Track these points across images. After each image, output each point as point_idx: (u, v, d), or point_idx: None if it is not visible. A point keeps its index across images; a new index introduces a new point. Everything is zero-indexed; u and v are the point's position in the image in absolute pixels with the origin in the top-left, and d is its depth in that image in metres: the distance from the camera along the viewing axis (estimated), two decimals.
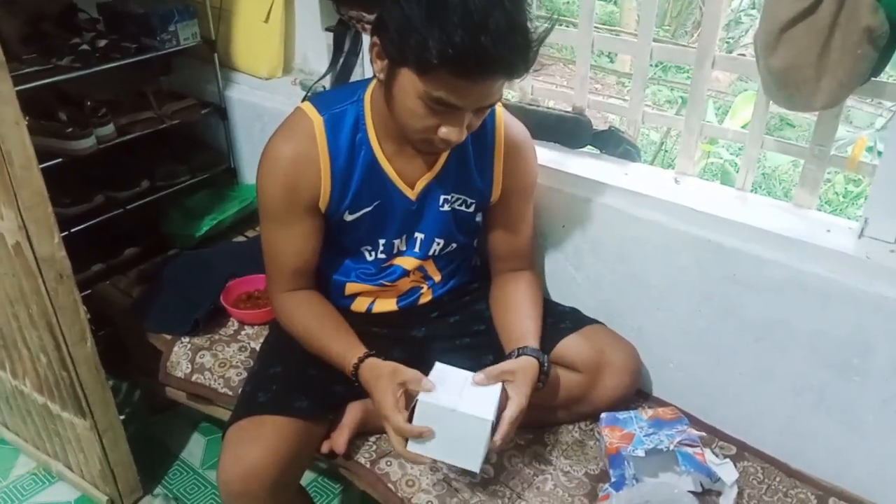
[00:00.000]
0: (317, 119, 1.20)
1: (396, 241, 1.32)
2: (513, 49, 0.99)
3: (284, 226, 1.24)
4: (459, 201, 1.31)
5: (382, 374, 1.14)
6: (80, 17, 1.83)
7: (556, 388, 1.30)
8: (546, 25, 1.04)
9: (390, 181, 1.25)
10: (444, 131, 1.07)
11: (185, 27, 1.85)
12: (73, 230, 1.75)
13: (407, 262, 1.34)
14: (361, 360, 1.18)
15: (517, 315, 1.32)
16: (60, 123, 1.69)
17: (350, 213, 1.26)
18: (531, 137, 1.34)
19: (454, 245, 1.36)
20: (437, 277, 1.39)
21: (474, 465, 1.11)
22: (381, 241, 1.31)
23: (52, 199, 1.24)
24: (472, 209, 1.33)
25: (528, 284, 1.38)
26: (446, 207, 1.30)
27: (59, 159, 1.66)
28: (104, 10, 1.89)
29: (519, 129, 1.32)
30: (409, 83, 1.03)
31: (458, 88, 1.01)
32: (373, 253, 1.32)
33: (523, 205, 1.37)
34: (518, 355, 1.21)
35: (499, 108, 1.28)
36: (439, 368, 1.17)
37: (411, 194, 1.27)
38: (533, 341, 1.25)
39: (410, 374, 1.14)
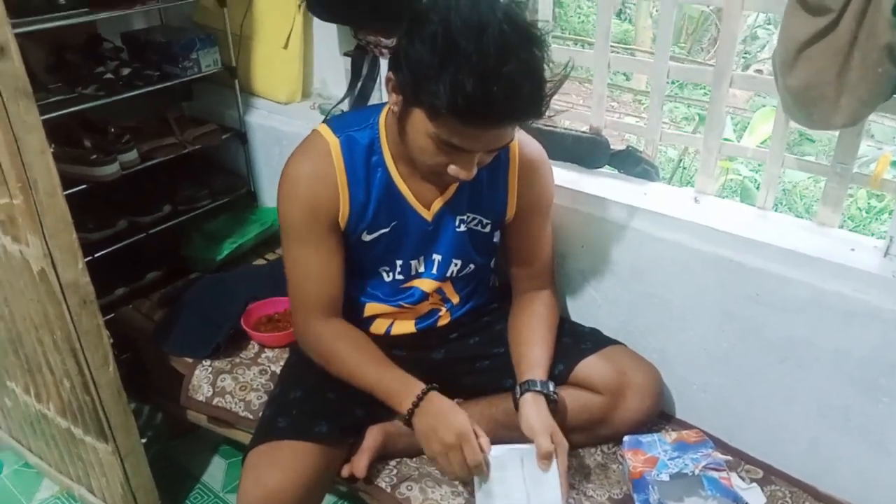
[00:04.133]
0: (332, 140, 1.21)
1: (413, 262, 1.32)
2: (524, 100, 0.99)
3: (308, 245, 1.24)
4: (475, 221, 1.31)
5: (458, 406, 1.19)
6: (105, 47, 1.87)
7: (576, 409, 1.29)
8: (562, 72, 1.05)
9: (407, 202, 1.25)
10: (453, 169, 1.09)
11: (206, 54, 1.89)
12: (96, 255, 1.77)
13: (425, 285, 1.34)
14: (427, 391, 1.18)
15: (529, 344, 1.31)
16: (85, 150, 1.72)
17: (368, 234, 1.27)
18: (547, 156, 1.35)
19: (472, 266, 1.36)
20: (456, 300, 1.39)
21: None
22: (399, 262, 1.31)
23: (76, 224, 1.26)
24: (487, 229, 1.33)
25: (544, 307, 1.37)
26: (462, 228, 1.30)
27: (84, 186, 1.69)
28: (128, 40, 1.94)
29: (534, 147, 1.32)
30: (420, 123, 1.05)
31: (468, 135, 1.03)
32: (390, 274, 1.33)
33: (540, 223, 1.36)
34: (522, 392, 1.22)
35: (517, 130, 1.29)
36: (495, 455, 1.17)
37: (427, 215, 1.27)
38: (540, 372, 1.24)
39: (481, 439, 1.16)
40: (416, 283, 1.34)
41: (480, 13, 0.97)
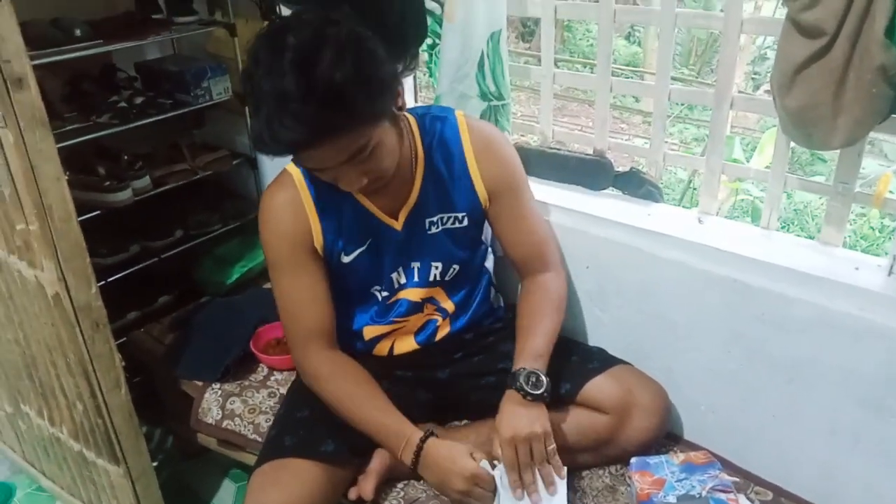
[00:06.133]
0: (295, 171, 1.26)
1: (394, 275, 1.33)
2: (296, 121, 0.98)
3: (293, 274, 1.26)
4: (450, 219, 1.32)
5: (456, 442, 1.21)
6: (119, 76, 1.91)
7: (583, 429, 1.29)
8: (349, 70, 1.00)
9: (374, 217, 1.28)
10: (340, 184, 1.13)
11: (217, 83, 1.93)
12: (109, 279, 1.80)
13: (412, 294, 1.35)
14: (428, 436, 1.20)
15: (521, 334, 1.29)
16: (99, 177, 1.76)
17: (345, 255, 1.29)
18: (501, 134, 1.35)
19: (456, 267, 1.36)
20: (450, 307, 1.39)
21: None
22: (384, 279, 1.33)
23: (89, 249, 1.28)
24: (465, 222, 1.33)
25: (541, 291, 1.34)
26: (434, 230, 1.31)
27: (97, 211, 1.72)
28: (141, 69, 1.99)
29: (483, 127, 1.33)
30: None
31: (300, 158, 1.09)
32: (381, 292, 1.35)
33: (517, 201, 1.33)
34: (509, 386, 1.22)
35: (459, 116, 1.30)
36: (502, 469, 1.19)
37: (396, 225, 1.29)
38: (523, 361, 1.22)
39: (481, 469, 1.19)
40: (402, 294, 1.35)
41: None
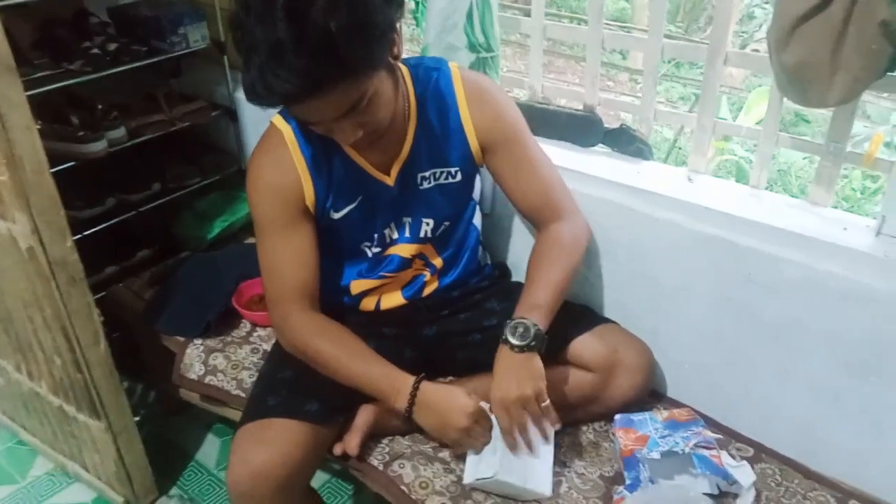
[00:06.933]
0: (285, 128, 1.22)
1: (386, 231, 1.31)
2: (290, 72, 0.94)
3: (281, 234, 1.23)
4: (443, 174, 1.29)
5: (452, 387, 1.22)
6: (91, 21, 1.83)
7: (568, 387, 1.29)
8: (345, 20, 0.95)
9: (366, 172, 1.25)
10: (334, 136, 1.10)
11: (194, 30, 1.86)
12: (85, 233, 1.76)
13: (403, 250, 1.33)
14: (417, 384, 1.19)
15: (526, 285, 1.25)
16: (72, 127, 1.70)
17: (335, 212, 1.26)
18: (496, 85, 1.32)
19: (447, 223, 1.34)
20: (439, 263, 1.38)
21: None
22: (375, 235, 1.31)
23: (64, 202, 1.25)
24: (458, 177, 1.30)
25: (552, 241, 1.28)
26: (426, 185, 1.29)
27: (71, 163, 1.67)
28: (115, 14, 1.90)
29: (476, 78, 1.30)
30: None
31: (294, 111, 1.06)
32: (371, 248, 1.33)
33: (517, 150, 1.29)
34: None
35: (453, 67, 1.26)
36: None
37: (388, 180, 1.26)
38: (523, 310, 1.19)
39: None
40: (393, 249, 1.33)
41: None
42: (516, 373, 1.15)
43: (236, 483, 1.15)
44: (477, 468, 1.18)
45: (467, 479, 1.19)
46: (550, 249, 1.28)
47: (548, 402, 1.16)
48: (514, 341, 1.15)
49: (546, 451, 1.19)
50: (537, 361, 1.17)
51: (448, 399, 1.18)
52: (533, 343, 1.16)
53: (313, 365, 1.25)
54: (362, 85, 1.02)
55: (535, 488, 1.17)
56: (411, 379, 1.19)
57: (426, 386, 1.19)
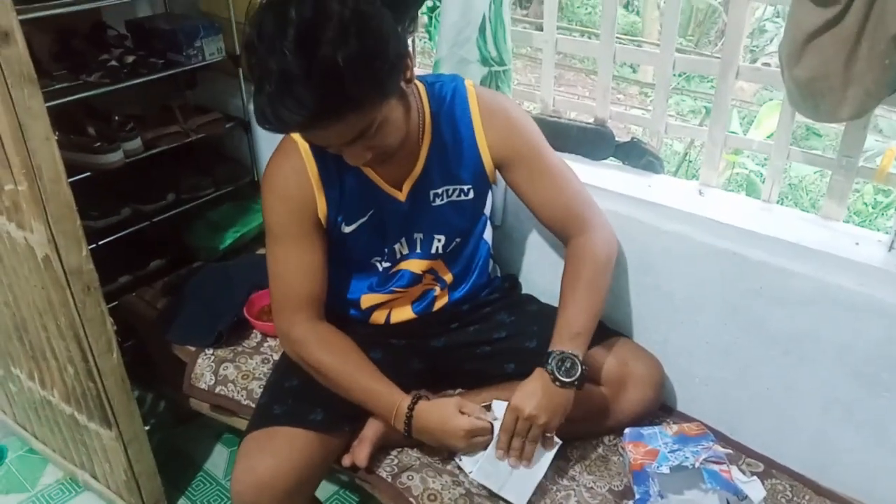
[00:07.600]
0: (300, 139, 1.22)
1: (397, 246, 1.32)
2: (299, 104, 0.95)
3: (292, 243, 1.24)
4: (455, 191, 1.30)
5: (445, 401, 1.23)
6: (109, 34, 1.86)
7: (578, 400, 1.28)
8: (354, 49, 0.94)
9: (378, 187, 1.25)
10: (345, 158, 1.11)
11: (210, 42, 1.88)
12: (100, 242, 1.78)
13: (413, 265, 1.34)
14: (416, 402, 1.21)
15: (559, 310, 1.25)
16: (89, 138, 1.72)
17: (346, 225, 1.27)
18: (511, 102, 1.33)
19: (458, 239, 1.34)
20: (449, 278, 1.38)
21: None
22: (385, 249, 1.32)
23: (80, 212, 1.26)
24: (470, 195, 1.31)
25: (580, 258, 1.27)
26: (439, 202, 1.29)
27: (88, 173, 1.69)
28: (132, 27, 1.93)
29: (492, 96, 1.30)
30: None
31: (303, 136, 1.12)
32: (381, 262, 1.33)
33: (535, 163, 1.29)
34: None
35: (469, 85, 1.27)
36: (496, 406, 1.22)
37: (400, 196, 1.27)
38: (560, 341, 1.19)
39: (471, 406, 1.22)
40: (404, 265, 1.34)
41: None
42: (545, 398, 1.16)
43: (240, 492, 1.16)
44: (466, 458, 1.24)
45: (461, 463, 1.26)
46: (582, 269, 1.26)
47: (552, 435, 1.19)
48: (559, 376, 1.16)
49: (538, 467, 1.20)
50: (569, 397, 1.18)
51: (442, 421, 1.20)
52: (576, 383, 1.17)
53: (314, 375, 1.26)
54: (370, 115, 1.03)
55: (508, 497, 1.20)
56: (407, 402, 1.20)
57: (421, 409, 1.20)
